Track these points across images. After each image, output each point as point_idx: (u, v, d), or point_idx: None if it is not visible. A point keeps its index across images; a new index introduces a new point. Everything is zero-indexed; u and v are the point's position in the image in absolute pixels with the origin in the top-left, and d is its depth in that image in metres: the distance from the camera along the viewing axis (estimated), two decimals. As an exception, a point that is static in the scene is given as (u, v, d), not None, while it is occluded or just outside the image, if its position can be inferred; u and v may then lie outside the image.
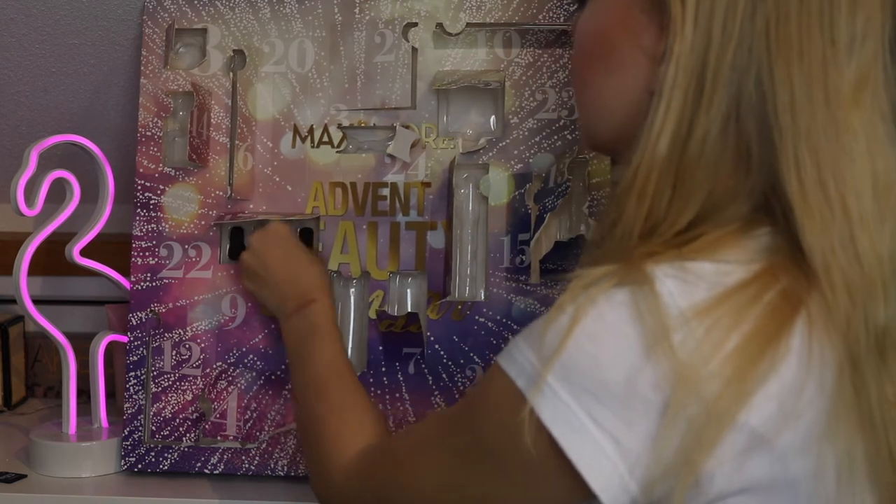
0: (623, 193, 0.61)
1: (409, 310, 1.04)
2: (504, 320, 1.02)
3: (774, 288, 0.56)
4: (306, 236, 1.06)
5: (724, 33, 0.57)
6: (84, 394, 1.11)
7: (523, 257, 1.02)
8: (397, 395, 1.02)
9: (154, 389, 1.04)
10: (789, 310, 0.55)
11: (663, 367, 0.54)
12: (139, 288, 1.05)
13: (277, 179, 1.06)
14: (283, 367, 1.03)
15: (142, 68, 1.08)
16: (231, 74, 1.07)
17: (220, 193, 1.06)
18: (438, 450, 0.66)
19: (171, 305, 1.05)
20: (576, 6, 0.73)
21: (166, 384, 1.04)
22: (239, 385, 1.03)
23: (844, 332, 0.55)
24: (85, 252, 1.07)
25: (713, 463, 0.54)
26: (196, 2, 1.08)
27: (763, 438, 0.54)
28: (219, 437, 1.03)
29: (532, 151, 1.03)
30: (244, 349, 1.04)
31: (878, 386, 0.56)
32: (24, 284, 1.02)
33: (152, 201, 1.06)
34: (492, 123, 1.05)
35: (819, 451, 0.55)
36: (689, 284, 0.56)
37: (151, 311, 1.05)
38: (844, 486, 0.55)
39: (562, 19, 1.04)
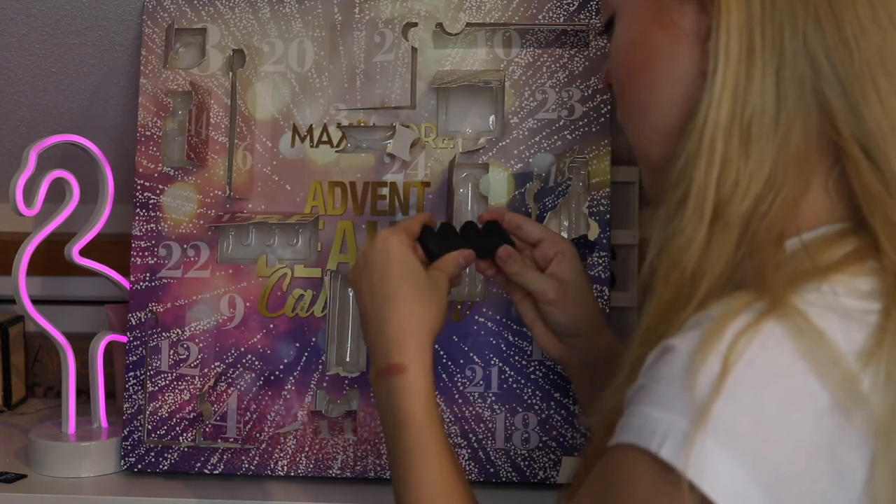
0: (688, 164, 0.57)
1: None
2: (504, 320, 1.02)
3: None
4: (437, 236, 0.85)
5: None
6: (84, 394, 1.11)
7: (523, 257, 1.02)
8: (397, 395, 1.01)
9: (151, 389, 1.04)
10: None
11: (860, 419, 0.49)
12: (138, 288, 1.05)
13: (276, 179, 1.06)
14: (281, 366, 1.03)
15: (141, 68, 1.08)
16: (230, 74, 1.07)
17: (219, 193, 1.06)
18: None
19: (169, 305, 1.05)
20: (604, 32, 0.71)
21: (163, 384, 1.04)
22: (238, 387, 1.03)
23: None
24: (84, 252, 1.06)
25: None
26: (196, 1, 1.08)
27: None
28: (219, 441, 1.03)
29: (532, 151, 1.03)
30: (242, 349, 1.04)
31: None
32: (23, 284, 1.02)
33: (151, 201, 1.06)
34: (491, 123, 1.05)
35: None
36: (847, 322, 0.51)
37: (150, 310, 1.05)
38: None
39: (562, 19, 1.04)
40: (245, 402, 1.03)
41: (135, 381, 1.04)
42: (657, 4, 0.63)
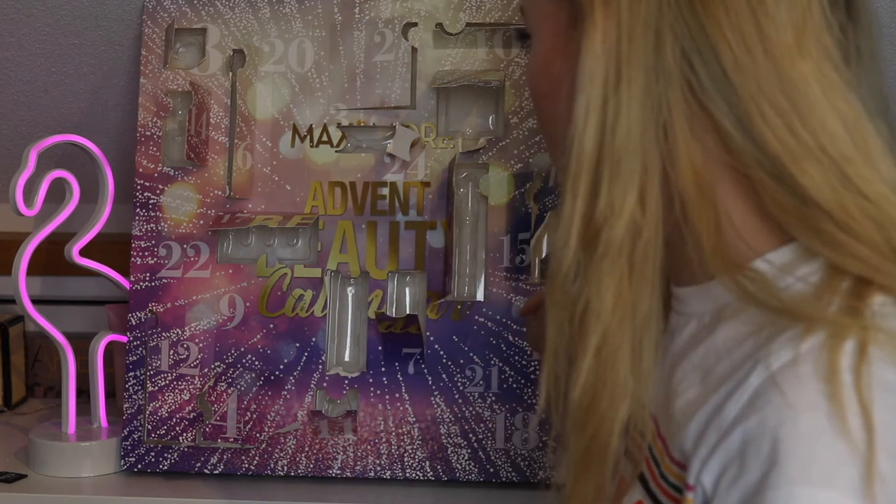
0: (561, 195, 0.58)
1: (409, 309, 1.03)
2: (504, 320, 1.02)
3: None
4: None
5: (632, 12, 0.54)
6: (84, 394, 1.10)
7: (523, 256, 1.02)
8: (397, 395, 1.02)
9: (151, 389, 1.04)
10: None
11: None
12: (139, 288, 1.05)
13: (276, 179, 1.06)
14: (281, 366, 1.03)
15: (141, 68, 1.08)
16: (230, 74, 1.07)
17: (219, 193, 1.06)
18: None
19: (169, 305, 1.05)
20: (525, 44, 0.68)
21: (163, 383, 1.04)
22: (238, 387, 1.03)
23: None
24: (84, 252, 1.06)
25: None
26: (196, 1, 1.08)
27: None
28: (219, 441, 1.03)
29: (532, 151, 1.03)
30: (242, 349, 1.04)
31: None
32: (23, 284, 1.02)
33: (151, 201, 1.06)
34: (491, 123, 1.05)
35: None
36: None
37: (150, 310, 1.05)
38: None
39: (561, 18, 1.04)
40: (245, 402, 1.03)
41: (135, 381, 1.04)
42: (555, 32, 0.61)
